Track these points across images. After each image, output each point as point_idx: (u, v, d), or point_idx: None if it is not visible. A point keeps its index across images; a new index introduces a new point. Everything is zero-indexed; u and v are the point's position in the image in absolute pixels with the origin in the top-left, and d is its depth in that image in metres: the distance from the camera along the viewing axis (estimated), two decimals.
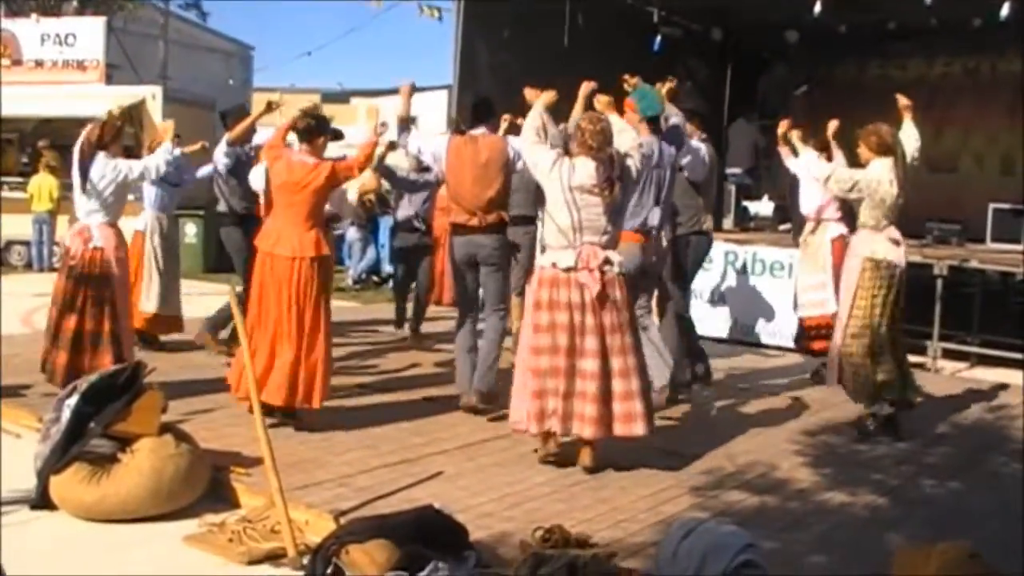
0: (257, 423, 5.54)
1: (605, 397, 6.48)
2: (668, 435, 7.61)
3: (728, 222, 14.37)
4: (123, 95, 16.64)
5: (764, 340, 11.79)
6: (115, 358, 7.59)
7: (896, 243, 7.77)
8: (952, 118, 16.54)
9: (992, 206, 13.72)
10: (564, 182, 6.53)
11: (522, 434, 6.83)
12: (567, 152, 6.78)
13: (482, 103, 8.31)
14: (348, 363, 9.21)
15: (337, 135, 7.94)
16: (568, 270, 6.52)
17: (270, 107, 9.31)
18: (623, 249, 7.01)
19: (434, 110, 17.90)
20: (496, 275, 8.03)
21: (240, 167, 9.43)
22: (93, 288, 7.76)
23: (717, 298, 12.16)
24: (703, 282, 11.77)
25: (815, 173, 8.17)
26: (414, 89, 8.16)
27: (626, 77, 8.06)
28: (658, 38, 14.47)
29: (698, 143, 8.67)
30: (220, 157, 9.50)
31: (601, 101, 7.21)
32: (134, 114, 10.00)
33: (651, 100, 7.86)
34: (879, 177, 7.67)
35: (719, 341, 11.66)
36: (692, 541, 4.67)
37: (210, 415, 7.55)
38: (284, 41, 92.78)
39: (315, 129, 7.44)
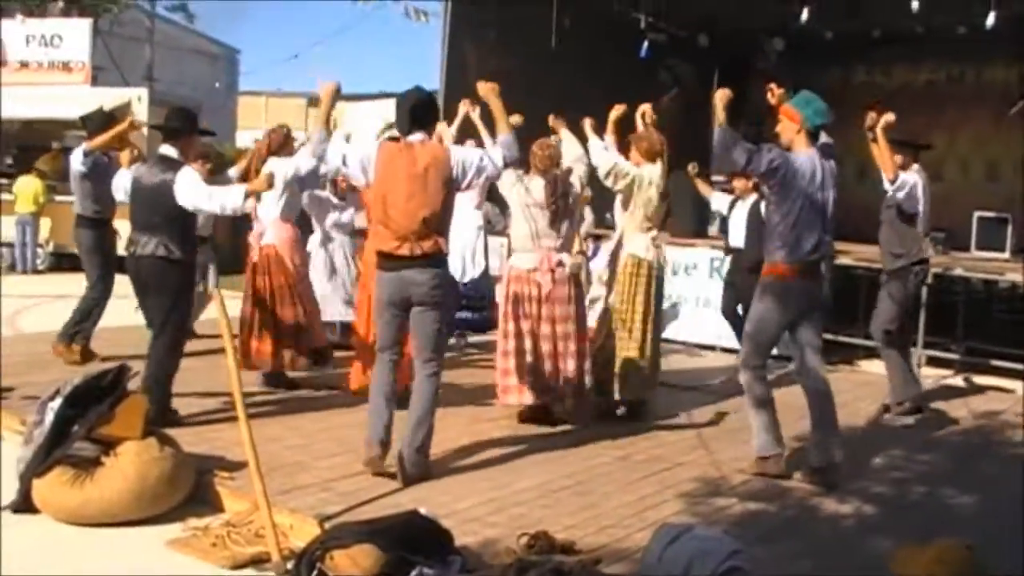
0: (242, 427, 5.51)
1: (556, 374, 7.71)
2: (654, 440, 7.66)
3: (713, 229, 14.37)
4: (109, 97, 16.59)
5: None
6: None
7: (657, 245, 8.31)
8: (937, 125, 16.56)
9: (977, 214, 13.75)
10: (522, 198, 7.64)
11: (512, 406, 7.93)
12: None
13: (422, 104, 6.58)
14: (334, 370, 9.18)
15: (204, 132, 8.10)
16: (530, 271, 7.67)
17: (132, 126, 9.21)
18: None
19: None
20: (431, 315, 6.47)
21: (97, 172, 9.31)
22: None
23: (702, 304, 12.15)
24: (689, 289, 11.78)
25: (597, 162, 8.08)
26: (338, 91, 6.78)
27: (772, 87, 6.95)
28: (645, 44, 14.49)
29: (911, 175, 8.62)
30: (77, 164, 9.34)
31: (556, 122, 8.19)
32: (119, 116, 9.90)
33: (819, 107, 6.83)
34: (650, 178, 8.13)
35: (704, 347, 11.66)
36: (678, 547, 4.66)
37: (194, 419, 7.52)
38: (271, 44, 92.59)
39: (180, 128, 7.60)
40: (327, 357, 8.74)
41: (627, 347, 8.16)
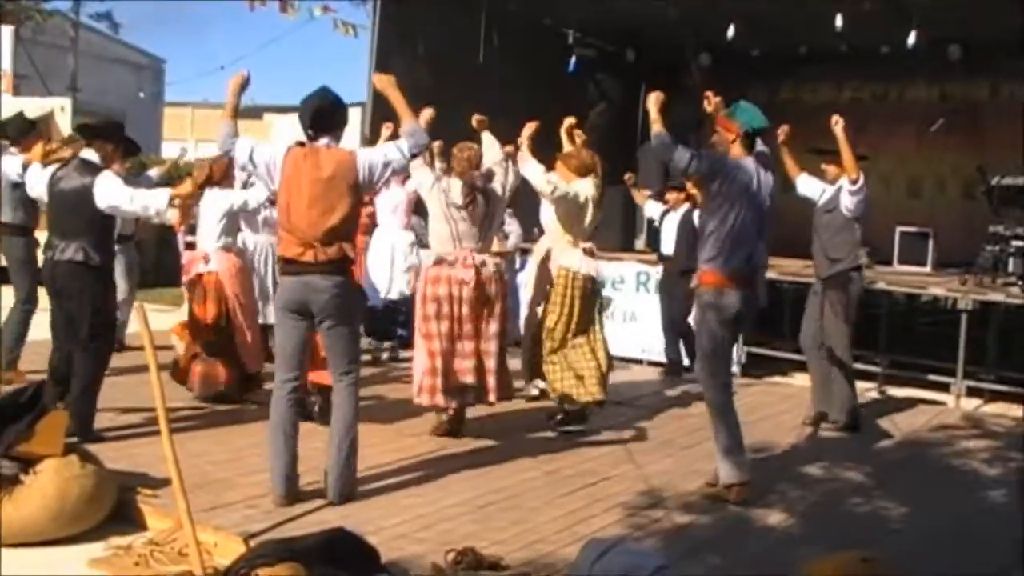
0: (165, 443, 5.43)
1: (477, 374, 7.73)
2: (582, 455, 7.67)
3: (640, 243, 14.46)
4: (31, 106, 16.32)
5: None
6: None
7: (591, 256, 8.46)
8: (860, 142, 16.63)
9: (899, 229, 13.96)
10: (443, 199, 7.68)
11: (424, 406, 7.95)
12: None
13: (327, 108, 6.33)
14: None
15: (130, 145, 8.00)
16: (452, 270, 7.66)
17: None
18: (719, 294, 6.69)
19: (348, 128, 17.70)
20: (340, 329, 6.28)
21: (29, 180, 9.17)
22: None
23: (628, 318, 12.21)
24: (616, 303, 11.81)
25: (535, 181, 8.17)
26: (247, 81, 6.43)
27: (709, 95, 6.87)
28: (572, 59, 14.55)
29: (864, 183, 8.80)
30: (14, 172, 8.99)
31: (479, 122, 8.16)
32: (42, 126, 9.72)
33: (755, 114, 6.86)
34: (585, 194, 8.30)
35: (631, 360, 11.71)
36: (606, 562, 4.67)
37: (117, 434, 7.41)
38: (197, 55, 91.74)
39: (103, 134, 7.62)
40: (258, 384, 8.69)
41: (570, 359, 8.25)
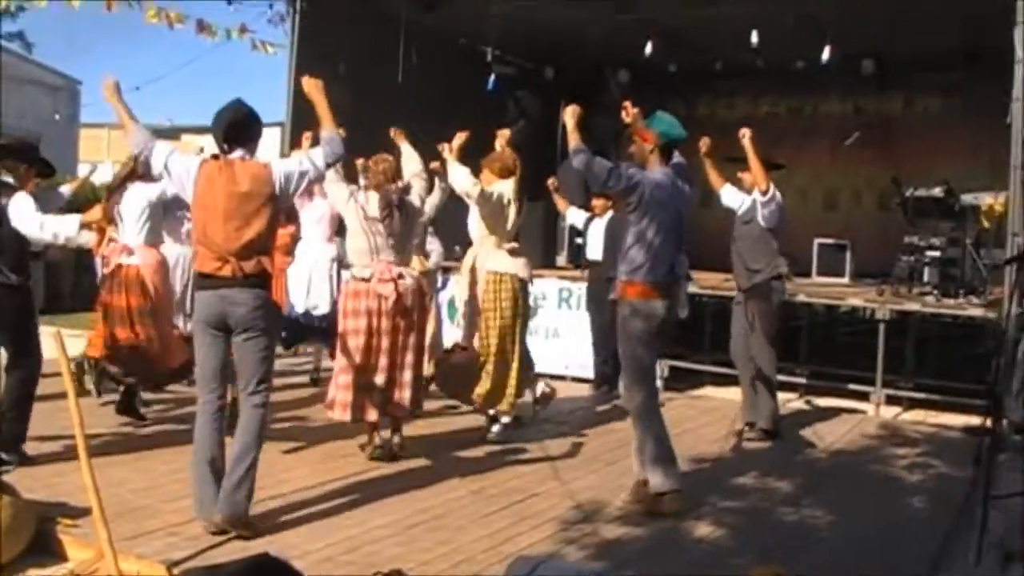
0: (84, 471, 5.34)
1: (391, 386, 7.68)
2: (508, 473, 7.67)
3: (562, 259, 14.50)
4: None
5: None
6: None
7: (515, 255, 8.56)
8: (777, 156, 16.97)
9: (817, 241, 14.15)
10: (360, 213, 7.67)
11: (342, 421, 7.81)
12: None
13: (241, 120, 6.22)
14: (181, 411, 8.97)
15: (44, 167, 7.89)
16: (370, 284, 7.62)
17: None
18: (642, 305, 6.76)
19: (267, 148, 17.65)
20: (255, 342, 6.09)
21: None
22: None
23: (551, 334, 12.23)
24: (538, 319, 11.83)
25: (459, 183, 8.35)
26: (116, 85, 6.31)
27: (627, 105, 6.89)
28: (492, 77, 14.59)
29: (774, 193, 8.89)
30: None
31: (397, 133, 8.34)
32: None
33: (672, 123, 6.98)
34: (508, 196, 8.45)
35: (554, 377, 11.71)
36: None
37: (33, 463, 7.26)
38: (114, 75, 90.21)
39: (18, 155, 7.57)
40: (184, 372, 8.42)
41: (501, 363, 8.35)
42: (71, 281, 16.36)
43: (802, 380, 11.71)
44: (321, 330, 10.07)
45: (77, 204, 9.58)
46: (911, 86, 15.91)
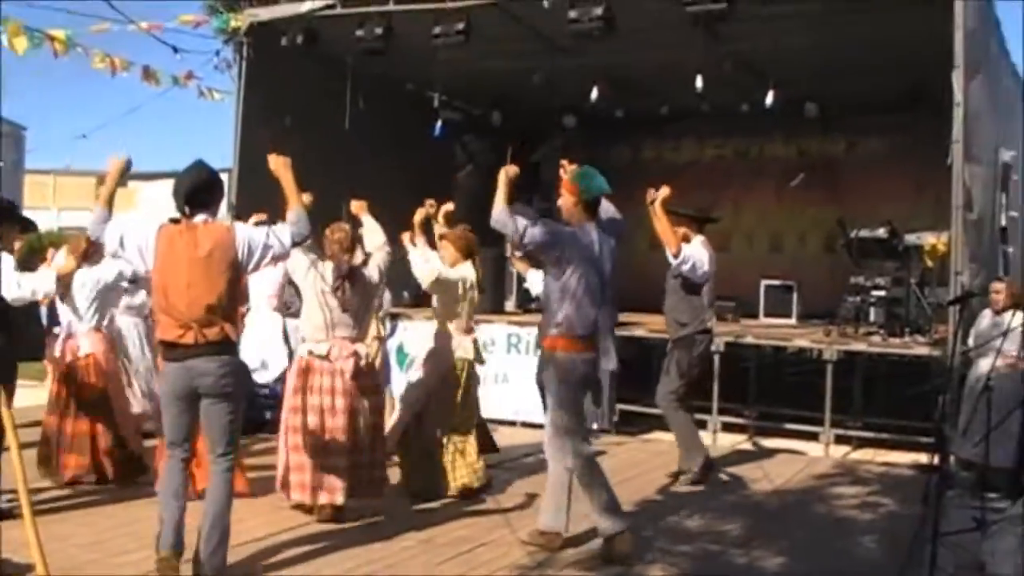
0: (28, 527, 5.25)
1: (351, 468, 7.35)
2: (458, 522, 7.62)
3: (510, 304, 14.50)
4: None
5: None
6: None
7: (469, 333, 8.55)
8: (723, 198, 17.15)
9: (764, 282, 14.28)
10: (316, 284, 7.38)
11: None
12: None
13: (204, 182, 6.12)
14: None
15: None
16: (324, 360, 7.36)
17: None
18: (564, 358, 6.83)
19: None
20: (222, 407, 5.99)
21: None
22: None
23: (501, 380, 12.19)
24: (487, 365, 11.80)
25: (421, 275, 8.28)
26: (128, 168, 6.37)
27: (564, 163, 7.25)
28: (439, 123, 14.63)
29: (694, 247, 8.94)
30: None
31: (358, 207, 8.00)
32: None
33: (596, 180, 6.99)
34: (470, 280, 8.43)
35: (503, 423, 11.65)
36: None
37: None
38: (59, 121, 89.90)
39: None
40: (143, 468, 8.40)
41: (466, 447, 8.33)
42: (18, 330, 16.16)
43: (751, 422, 11.75)
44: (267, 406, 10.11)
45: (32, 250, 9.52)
46: (854, 128, 16.13)
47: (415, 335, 11.64)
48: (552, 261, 6.83)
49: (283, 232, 6.16)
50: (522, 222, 6.73)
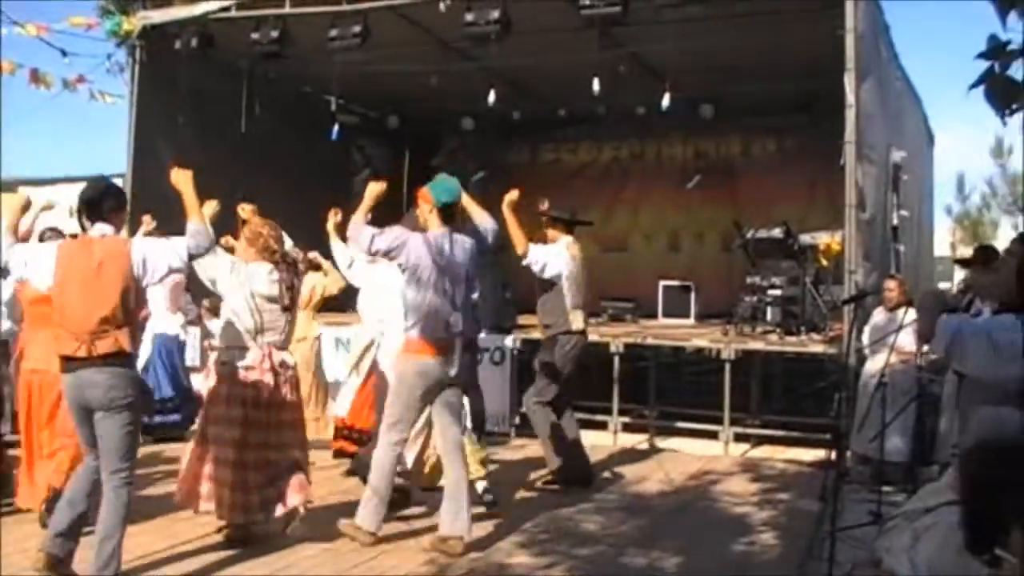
0: None
1: (266, 483, 6.84)
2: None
3: None
4: None
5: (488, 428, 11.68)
6: None
7: None
8: (622, 199, 17.33)
9: (662, 283, 14.40)
10: (247, 287, 6.83)
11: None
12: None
13: (101, 195, 6.07)
14: None
15: None
16: (249, 370, 6.83)
17: None
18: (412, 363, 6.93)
19: None
20: (115, 419, 5.83)
21: None
22: None
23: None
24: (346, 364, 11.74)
25: (352, 272, 8.36)
26: (27, 206, 6.58)
27: (513, 194, 7.55)
28: (336, 127, 14.50)
29: (552, 248, 8.86)
30: None
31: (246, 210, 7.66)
32: None
33: (446, 188, 7.14)
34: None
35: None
36: None
37: None
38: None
39: None
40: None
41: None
42: None
43: (651, 421, 11.81)
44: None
45: None
46: (749, 130, 16.35)
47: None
48: (402, 268, 6.99)
49: (180, 246, 6.05)
50: (369, 231, 6.91)
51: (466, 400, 7.69)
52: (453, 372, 6.99)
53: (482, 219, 7.36)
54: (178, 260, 6.04)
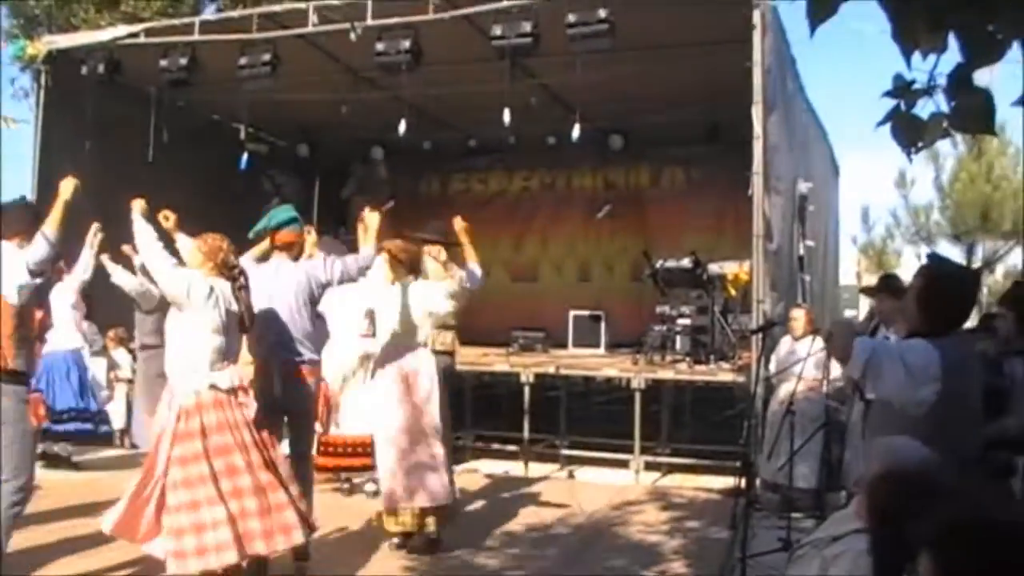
0: None
1: (267, 510, 6.13)
2: None
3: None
4: None
5: None
6: None
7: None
8: (532, 229, 17.37)
9: (572, 313, 14.45)
10: (222, 306, 6.20)
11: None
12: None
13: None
14: None
15: None
16: (231, 392, 6.17)
17: None
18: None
19: None
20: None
21: None
22: None
23: None
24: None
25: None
26: None
27: (166, 213, 6.77)
28: (244, 156, 14.35)
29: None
30: None
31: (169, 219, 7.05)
32: None
33: (271, 218, 7.36)
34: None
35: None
36: None
37: None
38: None
39: None
40: None
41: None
42: None
43: (562, 451, 11.83)
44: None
45: None
46: (658, 160, 16.47)
47: None
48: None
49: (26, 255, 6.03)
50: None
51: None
52: (276, 391, 6.91)
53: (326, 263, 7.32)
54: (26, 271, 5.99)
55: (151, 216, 6.53)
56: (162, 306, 7.32)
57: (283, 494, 6.20)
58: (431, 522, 7.61)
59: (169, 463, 5.99)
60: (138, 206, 6.44)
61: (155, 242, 6.22)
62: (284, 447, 6.92)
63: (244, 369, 6.61)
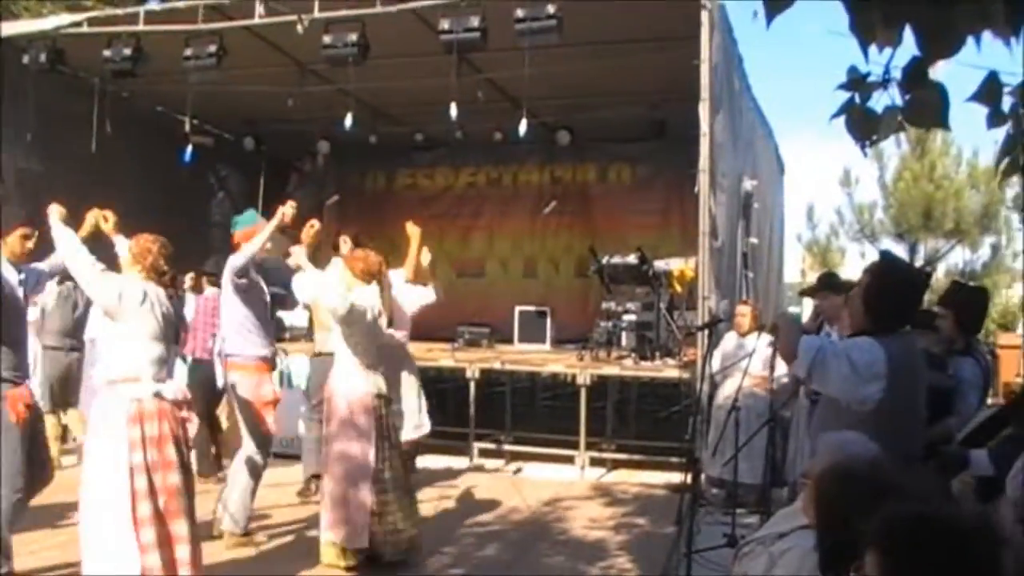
0: None
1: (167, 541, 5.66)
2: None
3: None
4: None
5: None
6: None
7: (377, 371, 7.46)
8: (478, 225, 17.37)
9: (518, 308, 14.44)
10: (158, 312, 5.77)
11: None
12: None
13: None
14: None
15: None
16: (176, 405, 5.78)
17: None
18: None
19: None
20: None
21: None
22: None
23: None
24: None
25: (333, 308, 7.16)
26: None
27: (104, 214, 6.74)
28: (189, 148, 14.19)
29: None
30: None
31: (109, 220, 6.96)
32: None
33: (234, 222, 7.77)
34: (376, 306, 7.38)
35: None
36: None
37: None
38: None
39: None
40: None
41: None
42: None
43: (507, 447, 11.82)
44: None
45: None
46: (605, 156, 16.53)
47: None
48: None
49: None
50: None
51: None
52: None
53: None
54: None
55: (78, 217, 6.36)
56: None
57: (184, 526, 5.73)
58: None
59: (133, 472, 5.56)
60: (56, 212, 6.06)
61: (79, 249, 5.82)
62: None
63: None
